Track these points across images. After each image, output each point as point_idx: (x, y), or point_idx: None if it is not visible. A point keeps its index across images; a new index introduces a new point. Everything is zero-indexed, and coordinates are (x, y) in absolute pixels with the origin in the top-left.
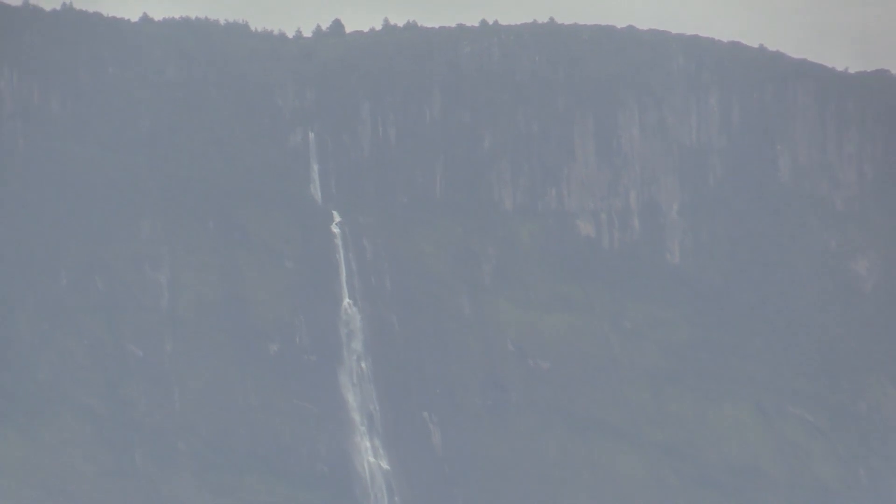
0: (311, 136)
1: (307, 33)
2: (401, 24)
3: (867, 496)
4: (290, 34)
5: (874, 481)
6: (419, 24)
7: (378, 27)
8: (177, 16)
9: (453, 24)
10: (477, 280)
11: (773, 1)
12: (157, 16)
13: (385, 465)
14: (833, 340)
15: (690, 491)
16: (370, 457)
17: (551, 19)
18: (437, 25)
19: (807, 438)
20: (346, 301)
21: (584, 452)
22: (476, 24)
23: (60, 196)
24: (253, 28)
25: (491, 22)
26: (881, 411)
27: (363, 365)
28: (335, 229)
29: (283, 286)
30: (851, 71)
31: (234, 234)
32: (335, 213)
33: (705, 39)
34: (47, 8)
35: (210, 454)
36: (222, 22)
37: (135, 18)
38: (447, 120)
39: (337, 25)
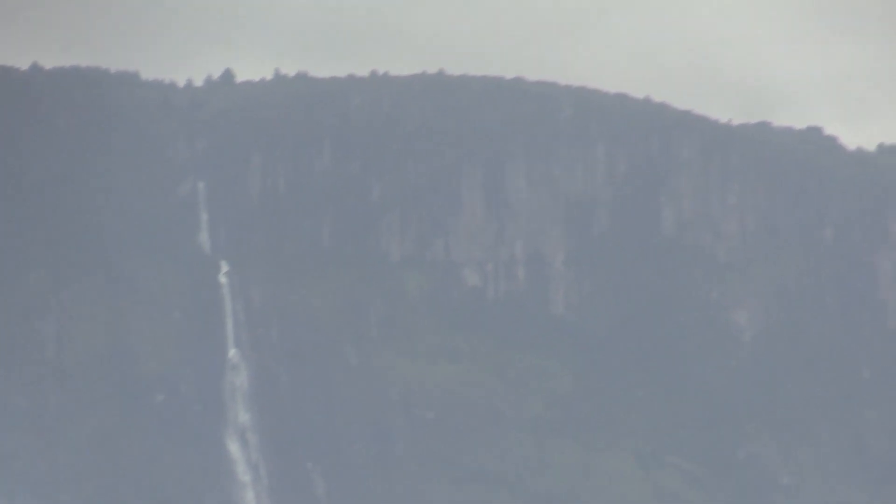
0: (201, 185)
1: (198, 83)
2: (291, 74)
3: None
4: (181, 83)
5: None
6: (309, 75)
7: (269, 77)
8: (67, 65)
9: (343, 75)
10: (363, 331)
11: (658, 53)
12: (48, 64)
13: None
14: (712, 390)
15: None
16: None
17: (441, 70)
18: (327, 76)
19: (685, 487)
20: (233, 351)
21: (468, 502)
22: (366, 75)
23: None
24: (144, 77)
25: (381, 73)
26: (759, 459)
27: (248, 415)
28: (223, 279)
29: (170, 336)
30: (735, 123)
31: (122, 283)
32: (223, 262)
33: (592, 91)
34: None
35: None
36: (113, 71)
37: (25, 67)
38: (336, 170)
39: (228, 75)
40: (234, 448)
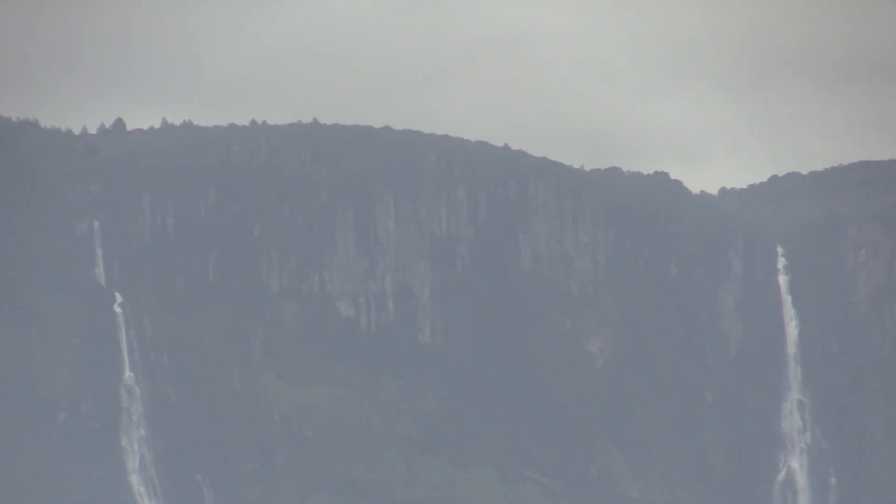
0: (96, 224)
1: (92, 130)
2: (177, 122)
3: None
4: (77, 131)
5: None
6: (194, 123)
7: (157, 125)
8: None
9: (225, 124)
10: (247, 357)
11: (516, 104)
12: None
13: None
14: (567, 411)
15: None
16: None
17: (315, 119)
18: (210, 124)
19: (543, 499)
20: (128, 374)
21: None
22: (246, 124)
23: None
24: (42, 125)
25: (259, 121)
26: (610, 474)
27: (142, 431)
28: (118, 309)
29: (71, 360)
30: (587, 168)
31: (26, 313)
32: (118, 294)
33: (454, 139)
34: None
35: None
36: (14, 119)
37: None
38: (220, 211)
39: (119, 123)
40: (129, 461)
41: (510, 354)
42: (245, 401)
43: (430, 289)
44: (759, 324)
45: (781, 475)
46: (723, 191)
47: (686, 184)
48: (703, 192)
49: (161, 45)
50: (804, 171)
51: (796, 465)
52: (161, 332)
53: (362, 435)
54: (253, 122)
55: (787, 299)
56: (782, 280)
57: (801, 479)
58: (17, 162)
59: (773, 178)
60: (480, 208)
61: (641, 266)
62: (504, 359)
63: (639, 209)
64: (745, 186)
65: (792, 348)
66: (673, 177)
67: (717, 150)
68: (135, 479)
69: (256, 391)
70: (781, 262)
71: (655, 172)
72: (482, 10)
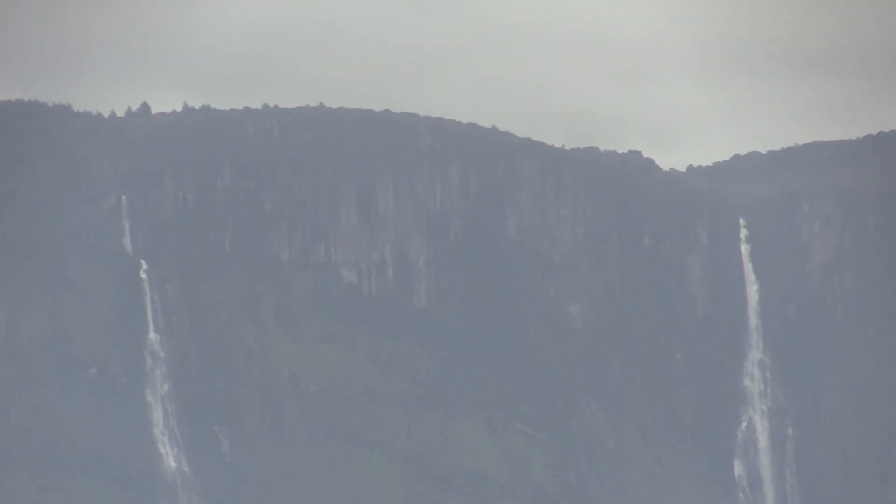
0: (123, 198)
1: (120, 114)
2: (197, 106)
3: (577, 498)
4: (106, 114)
5: (583, 485)
6: (212, 107)
7: (179, 109)
8: (10, 98)
9: (241, 107)
10: (259, 320)
11: (503, 89)
12: None
13: (184, 468)
14: (550, 369)
15: (433, 494)
16: (171, 462)
17: (321, 103)
18: (227, 108)
19: (528, 449)
20: (152, 334)
21: (346, 461)
22: (259, 107)
23: None
24: (75, 109)
25: (272, 105)
26: (589, 427)
27: (165, 387)
28: (143, 276)
29: (100, 322)
30: (567, 148)
31: (60, 279)
32: (143, 261)
33: (448, 121)
34: None
35: (39, 459)
36: (49, 104)
37: None
38: (235, 187)
39: (145, 107)
40: (154, 413)
41: (498, 317)
42: (257, 359)
43: (425, 257)
44: (722, 289)
45: (743, 426)
46: (690, 168)
47: (657, 162)
48: (672, 169)
49: (182, 35)
50: (763, 151)
51: (757, 417)
52: (182, 296)
53: (363, 390)
54: (265, 106)
55: (748, 267)
56: (744, 249)
57: (762, 430)
58: (52, 142)
59: (736, 157)
60: (471, 184)
61: (617, 237)
62: (492, 321)
63: (614, 185)
64: (710, 164)
65: (753, 312)
66: (645, 155)
67: (685, 131)
68: (158, 431)
69: (268, 350)
70: (743, 233)
71: (629, 151)
72: (475, 5)
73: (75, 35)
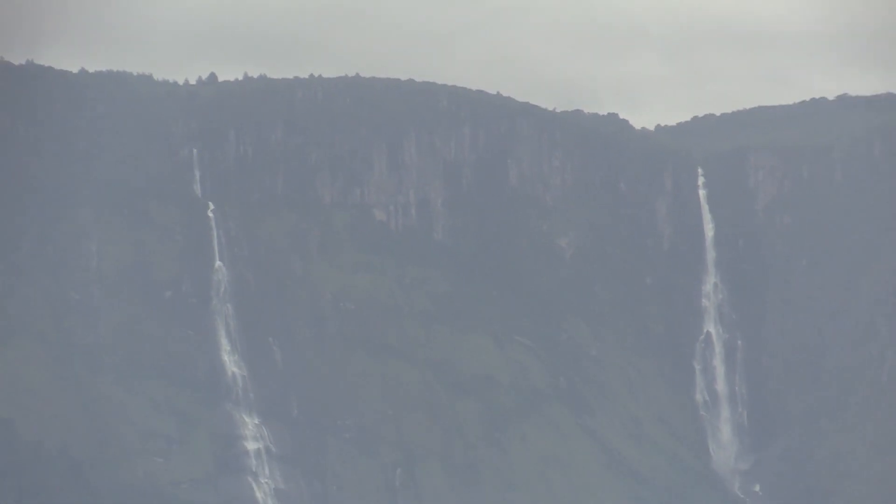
0: (195, 151)
1: (192, 81)
2: (255, 75)
3: (566, 396)
4: (181, 82)
5: (571, 385)
6: (267, 76)
7: (240, 78)
8: (103, 69)
9: (291, 77)
10: (306, 251)
11: (507, 60)
12: (91, 69)
13: (243, 373)
14: (544, 291)
15: (447, 393)
16: (234, 367)
17: (357, 74)
18: (279, 77)
19: (526, 357)
20: (218, 263)
21: (376, 367)
22: (306, 77)
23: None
24: (156, 78)
25: (316, 75)
26: (576, 338)
27: (228, 306)
28: (210, 214)
29: (175, 252)
30: (558, 110)
31: (142, 217)
32: (210, 203)
33: (461, 88)
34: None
35: (126, 366)
36: (135, 73)
37: (75, 70)
38: (286, 142)
39: (212, 76)
40: (219, 328)
41: (502, 248)
42: (304, 283)
43: (442, 200)
44: (684, 226)
45: (702, 337)
46: (657, 127)
47: (631, 122)
48: (643, 128)
49: (242, 15)
50: (717, 113)
51: (713, 330)
52: (242, 232)
53: (390, 308)
54: (311, 76)
55: (705, 207)
56: (701, 194)
57: (716, 341)
58: (135, 105)
59: (695, 118)
60: (480, 140)
61: (598, 183)
62: (497, 252)
63: (596, 141)
64: (674, 124)
65: (709, 244)
66: (621, 117)
67: (653, 96)
68: (223, 342)
69: (313, 276)
70: (701, 181)
71: (608, 114)
72: None
73: (156, 15)
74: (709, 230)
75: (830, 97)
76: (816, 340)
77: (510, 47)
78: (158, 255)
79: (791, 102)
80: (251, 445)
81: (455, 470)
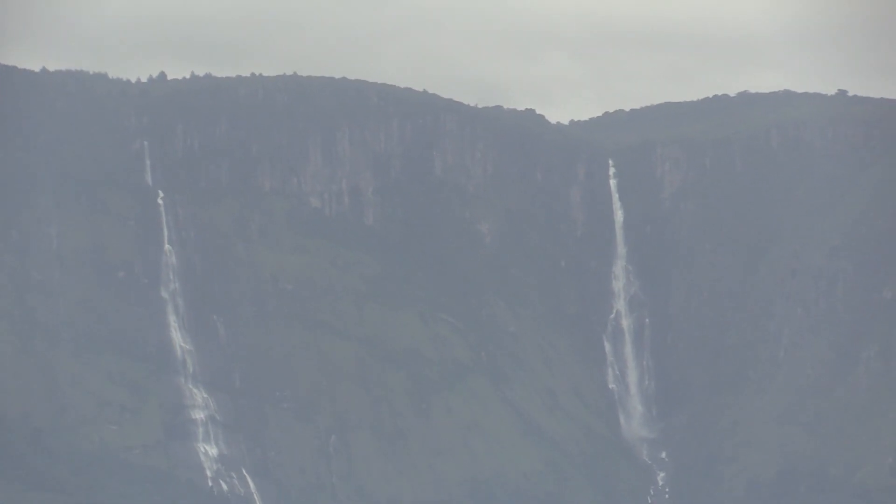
0: (146, 143)
1: (143, 79)
2: (201, 74)
3: (487, 370)
4: (133, 80)
5: (491, 360)
6: (213, 75)
7: (188, 76)
8: (62, 68)
9: (234, 75)
10: (248, 235)
11: (432, 60)
12: (52, 68)
13: (190, 347)
14: (466, 272)
15: (378, 367)
16: (182, 342)
17: (295, 72)
18: (223, 75)
19: (450, 333)
20: (167, 246)
21: (313, 342)
22: (248, 74)
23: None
24: (111, 76)
25: (257, 74)
26: (496, 316)
27: (176, 286)
28: (160, 202)
29: (128, 236)
30: (479, 106)
31: (98, 204)
32: (160, 191)
33: (390, 86)
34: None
35: (83, 341)
36: (91, 72)
37: (37, 69)
38: (230, 135)
39: (162, 75)
40: (167, 306)
41: (427, 233)
42: (246, 265)
43: (372, 188)
44: (596, 213)
45: (612, 315)
46: (571, 122)
47: (547, 117)
48: (558, 122)
49: (189, 19)
50: (627, 109)
51: (622, 309)
52: (190, 217)
53: (326, 288)
54: (252, 74)
55: (615, 195)
56: (612, 183)
57: (626, 319)
58: (92, 101)
59: (606, 114)
60: (407, 133)
61: (516, 173)
62: (423, 236)
63: (515, 134)
64: (586, 119)
65: (619, 230)
66: (538, 112)
67: (567, 93)
68: (171, 319)
69: (254, 258)
70: (611, 171)
71: (526, 109)
72: None
73: (111, 18)
74: (619, 217)
75: (731, 94)
76: (718, 319)
77: (435, 49)
78: (113, 239)
79: (695, 99)
80: (197, 414)
81: (385, 437)
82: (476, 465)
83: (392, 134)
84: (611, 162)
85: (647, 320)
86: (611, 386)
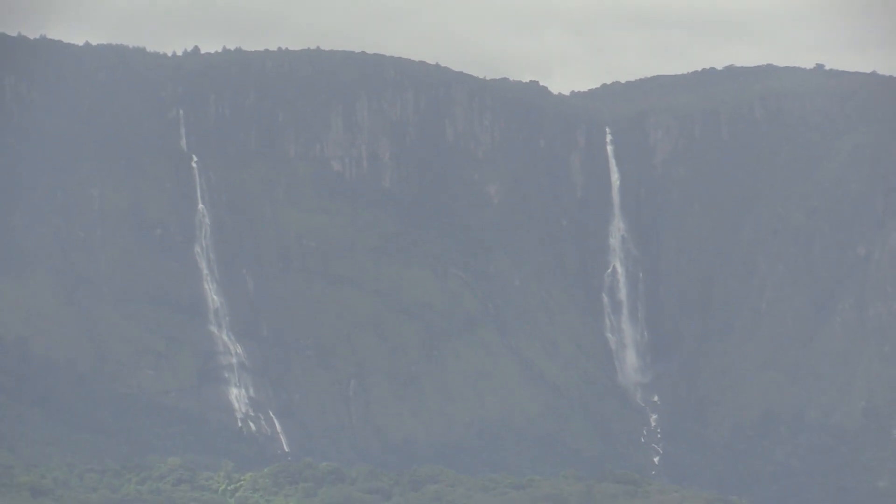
0: (181, 111)
1: (179, 53)
2: (232, 48)
3: (494, 320)
4: (169, 54)
5: (498, 312)
6: (242, 49)
7: (220, 50)
8: (104, 42)
9: (262, 49)
10: (275, 196)
11: (445, 35)
12: (94, 42)
13: (221, 299)
14: (475, 231)
15: (393, 318)
16: (213, 295)
17: (318, 47)
18: (252, 49)
19: (460, 287)
20: (200, 206)
21: (334, 295)
22: (274, 49)
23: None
24: (149, 50)
25: (283, 48)
26: (503, 271)
27: (209, 243)
28: (194, 165)
29: (164, 196)
30: (488, 78)
31: (138, 169)
32: (194, 155)
33: (406, 59)
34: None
35: (122, 293)
36: (130, 46)
37: (81, 43)
38: (258, 105)
39: (196, 49)
40: (200, 262)
41: (440, 194)
42: (273, 224)
43: (389, 153)
44: (594, 176)
45: (609, 271)
46: (572, 93)
47: (549, 88)
48: (560, 93)
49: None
50: (622, 81)
51: (618, 264)
52: (222, 180)
53: (346, 245)
54: (279, 48)
55: (612, 161)
56: (609, 149)
57: (621, 274)
58: (131, 73)
59: (604, 85)
60: (421, 103)
61: (521, 140)
62: (436, 197)
63: (520, 104)
64: (585, 90)
65: (615, 192)
66: (541, 84)
67: (567, 66)
68: (204, 273)
69: (280, 218)
70: (608, 138)
71: (530, 81)
72: None
73: None
74: (615, 180)
75: (718, 67)
76: (706, 273)
77: (447, 25)
78: (150, 200)
79: (685, 72)
80: (227, 361)
81: (399, 382)
82: (483, 408)
83: (407, 103)
84: (608, 130)
85: (640, 275)
86: (607, 335)
